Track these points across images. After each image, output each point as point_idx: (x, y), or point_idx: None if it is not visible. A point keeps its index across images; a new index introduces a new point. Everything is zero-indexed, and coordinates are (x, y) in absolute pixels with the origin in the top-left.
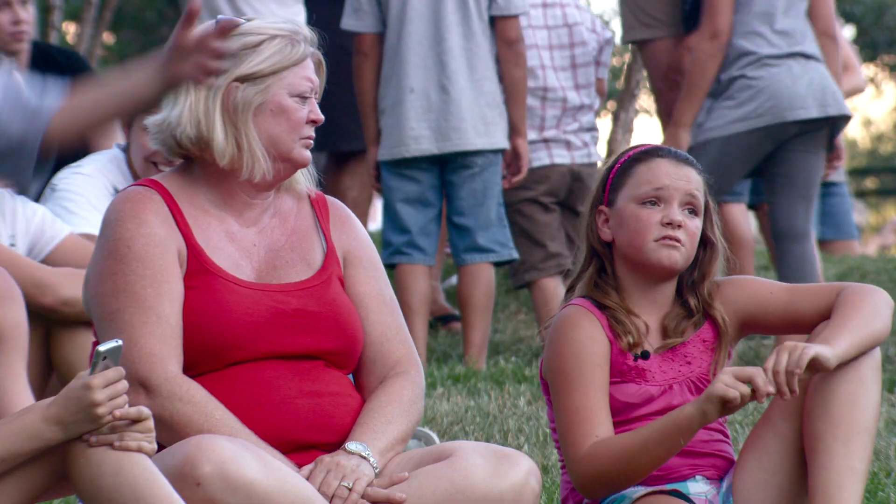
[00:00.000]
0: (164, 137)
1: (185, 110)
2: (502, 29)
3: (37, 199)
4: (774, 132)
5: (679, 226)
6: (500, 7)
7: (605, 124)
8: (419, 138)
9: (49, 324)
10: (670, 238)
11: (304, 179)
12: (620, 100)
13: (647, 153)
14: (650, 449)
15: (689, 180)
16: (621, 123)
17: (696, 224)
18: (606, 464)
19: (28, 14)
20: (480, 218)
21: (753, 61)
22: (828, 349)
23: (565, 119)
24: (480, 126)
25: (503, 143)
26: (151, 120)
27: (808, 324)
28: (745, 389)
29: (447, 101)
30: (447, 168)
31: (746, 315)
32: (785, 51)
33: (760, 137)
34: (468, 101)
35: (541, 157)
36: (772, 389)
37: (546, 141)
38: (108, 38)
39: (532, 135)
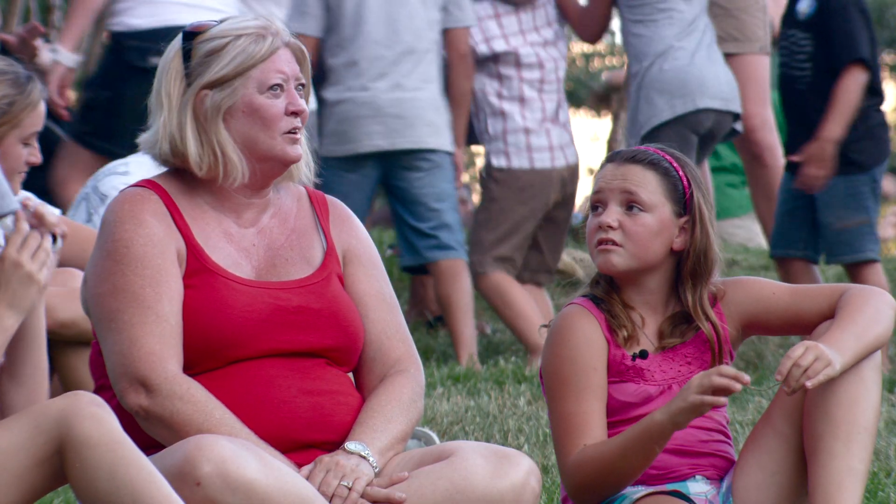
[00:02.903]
0: (153, 154)
1: (159, 128)
2: (455, 40)
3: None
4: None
5: (610, 227)
6: (455, 19)
7: (605, 124)
8: (371, 134)
9: None
10: (603, 241)
11: (304, 172)
12: (620, 100)
13: (605, 160)
14: (629, 457)
15: (626, 178)
16: (621, 123)
17: (641, 221)
18: (591, 473)
19: None
20: (434, 220)
21: None
22: (839, 364)
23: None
24: (433, 128)
25: (452, 146)
26: (141, 140)
27: (810, 325)
28: (719, 382)
29: (401, 101)
30: (396, 170)
31: (749, 316)
32: None
33: None
34: (422, 103)
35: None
36: (737, 387)
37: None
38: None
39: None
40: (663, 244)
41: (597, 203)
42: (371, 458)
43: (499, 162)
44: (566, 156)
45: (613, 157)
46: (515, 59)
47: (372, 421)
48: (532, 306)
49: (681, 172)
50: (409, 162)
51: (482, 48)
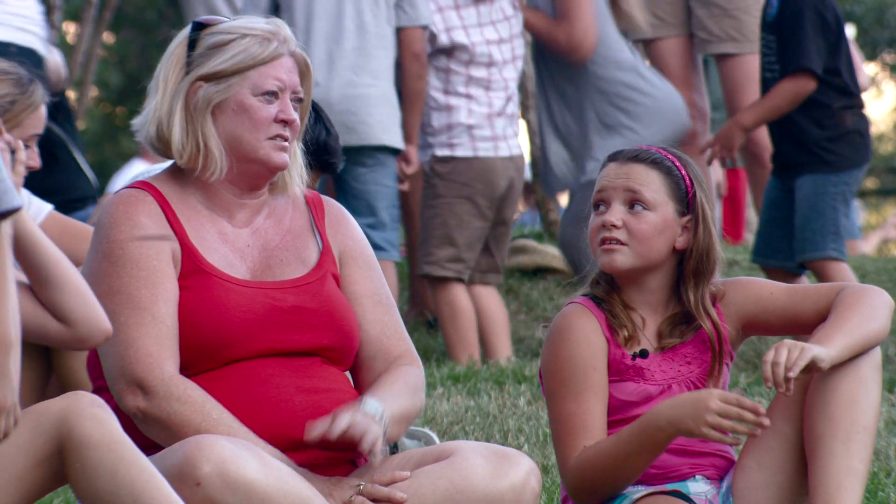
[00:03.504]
0: (143, 139)
1: (150, 112)
2: (408, 39)
3: None
4: None
5: (614, 225)
6: (408, 17)
7: None
8: None
9: None
10: (606, 240)
11: (297, 181)
12: None
13: (607, 159)
14: (631, 456)
15: (629, 177)
16: None
17: (645, 220)
18: (591, 473)
19: None
20: (370, 217)
21: None
22: (823, 350)
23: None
24: (382, 125)
25: (401, 143)
26: (134, 121)
27: (809, 324)
28: (729, 425)
29: (352, 97)
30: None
31: (748, 316)
32: None
33: None
34: (373, 99)
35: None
36: (757, 432)
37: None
38: (108, 38)
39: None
40: (666, 243)
41: (599, 202)
42: (384, 415)
43: (442, 151)
44: (510, 147)
45: (615, 156)
46: (470, 55)
47: (381, 392)
48: (474, 331)
49: (683, 172)
50: (356, 157)
51: (443, 38)
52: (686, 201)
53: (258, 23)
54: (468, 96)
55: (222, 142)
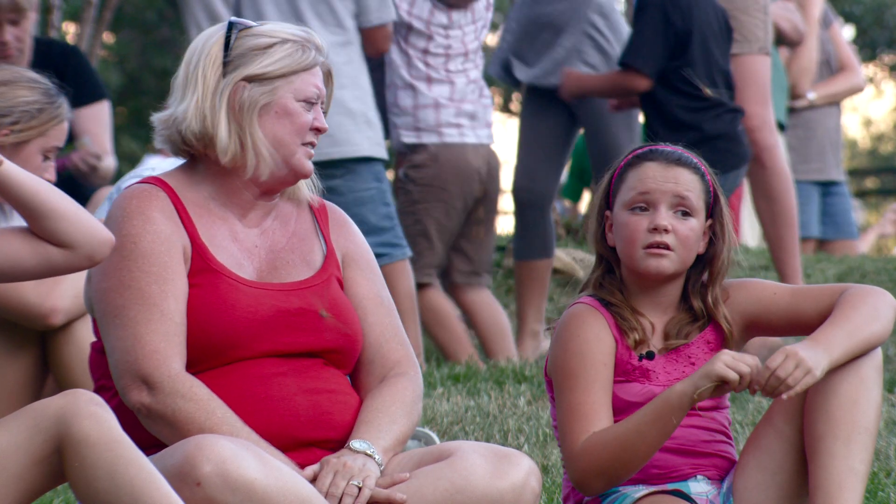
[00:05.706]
0: (169, 133)
1: (191, 106)
2: (372, 38)
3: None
4: None
5: (666, 230)
6: (366, 19)
7: None
8: None
9: None
10: (657, 245)
11: (308, 189)
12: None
13: (640, 157)
14: (644, 432)
15: (678, 181)
16: None
17: (689, 226)
18: (602, 455)
19: (17, 32)
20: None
21: None
22: (825, 365)
23: None
24: (339, 135)
25: (368, 150)
26: (157, 116)
27: (811, 325)
28: (745, 370)
29: None
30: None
31: (751, 316)
32: None
33: None
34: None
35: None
36: (755, 387)
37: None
38: (108, 38)
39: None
40: (697, 248)
41: (643, 203)
42: (377, 457)
43: (409, 138)
44: (477, 135)
45: (653, 156)
46: (426, 39)
47: (377, 420)
48: (463, 328)
49: (708, 177)
50: (321, 170)
51: (406, 19)
52: (709, 206)
53: (293, 29)
54: (428, 78)
55: (268, 143)
